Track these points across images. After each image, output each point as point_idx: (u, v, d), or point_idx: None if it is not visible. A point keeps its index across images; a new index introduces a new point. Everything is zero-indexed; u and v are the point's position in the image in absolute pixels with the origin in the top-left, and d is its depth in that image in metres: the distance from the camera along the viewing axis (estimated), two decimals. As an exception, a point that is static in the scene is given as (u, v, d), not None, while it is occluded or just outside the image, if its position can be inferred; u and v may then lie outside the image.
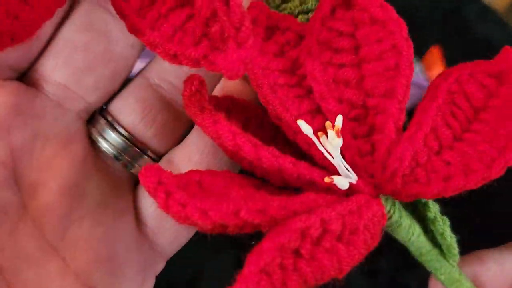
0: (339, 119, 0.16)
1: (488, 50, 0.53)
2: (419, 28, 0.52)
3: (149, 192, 0.15)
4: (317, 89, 0.16)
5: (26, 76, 0.20)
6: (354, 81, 0.16)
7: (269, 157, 0.15)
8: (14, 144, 0.18)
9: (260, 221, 0.15)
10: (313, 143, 0.16)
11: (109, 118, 0.21)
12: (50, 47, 0.19)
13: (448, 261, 0.19)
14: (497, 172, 0.15)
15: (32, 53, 0.19)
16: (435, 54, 0.47)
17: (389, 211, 0.16)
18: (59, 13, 0.18)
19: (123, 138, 0.20)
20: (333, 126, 0.15)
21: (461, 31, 0.53)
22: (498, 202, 0.42)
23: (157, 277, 0.37)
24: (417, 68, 0.45)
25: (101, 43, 0.19)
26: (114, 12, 0.17)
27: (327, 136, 0.15)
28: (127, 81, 0.31)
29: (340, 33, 0.17)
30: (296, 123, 0.16)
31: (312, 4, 0.19)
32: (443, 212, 0.26)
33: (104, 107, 0.21)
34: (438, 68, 0.46)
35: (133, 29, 0.16)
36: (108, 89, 0.20)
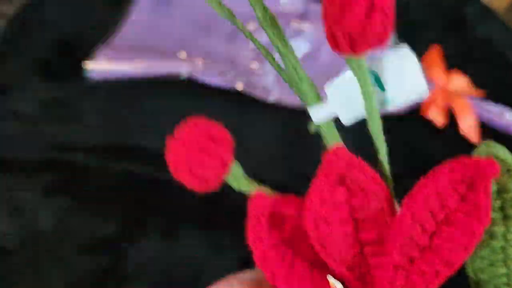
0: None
1: (488, 50, 0.53)
2: (419, 28, 0.52)
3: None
4: None
5: None
6: None
7: None
8: None
9: None
10: None
11: None
12: None
13: None
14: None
15: None
16: (435, 54, 0.47)
17: None
18: None
19: None
20: None
21: (461, 31, 0.53)
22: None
23: (157, 274, 0.37)
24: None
25: None
26: None
27: None
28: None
29: None
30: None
31: None
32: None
33: None
34: (437, 67, 0.46)
35: None
36: None
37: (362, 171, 0.19)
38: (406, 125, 0.45)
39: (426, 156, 0.44)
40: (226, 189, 0.26)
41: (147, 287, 0.37)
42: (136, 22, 0.48)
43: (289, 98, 0.44)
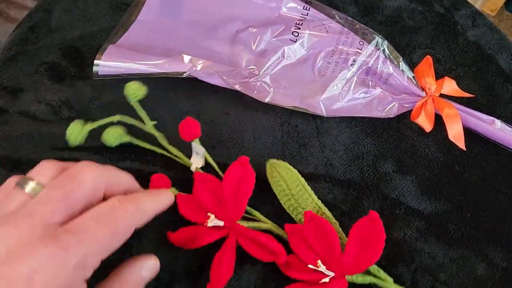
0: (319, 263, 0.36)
1: (478, 55, 0.54)
2: (412, 32, 0.53)
3: None
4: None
5: None
6: None
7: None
8: None
9: None
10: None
11: None
12: None
13: None
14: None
15: None
16: (426, 64, 0.47)
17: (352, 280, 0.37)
18: None
19: None
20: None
21: (452, 35, 0.53)
22: (489, 199, 0.43)
23: (161, 269, 0.37)
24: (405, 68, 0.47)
25: None
26: None
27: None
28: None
29: None
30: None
31: None
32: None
33: None
34: (428, 77, 0.46)
35: None
36: None
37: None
38: (399, 127, 0.46)
39: (417, 155, 0.45)
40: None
41: (152, 282, 0.37)
42: (143, 22, 0.49)
43: (282, 99, 0.45)
